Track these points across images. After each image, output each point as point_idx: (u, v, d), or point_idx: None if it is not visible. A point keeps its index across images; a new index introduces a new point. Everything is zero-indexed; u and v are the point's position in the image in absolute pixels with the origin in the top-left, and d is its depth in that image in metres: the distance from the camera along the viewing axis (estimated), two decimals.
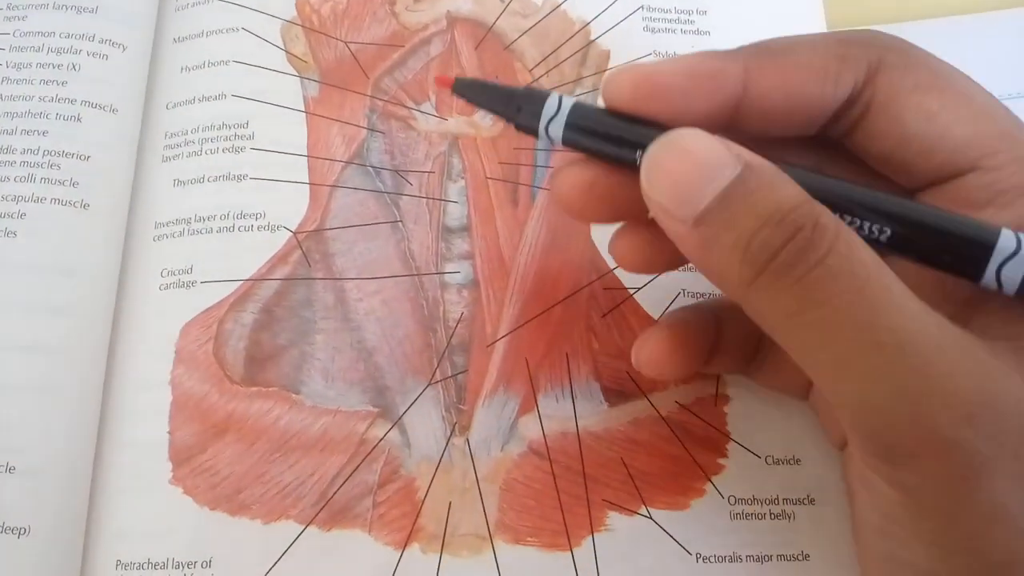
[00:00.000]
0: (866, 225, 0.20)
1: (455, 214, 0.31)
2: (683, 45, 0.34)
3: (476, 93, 0.23)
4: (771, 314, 0.19)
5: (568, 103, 0.22)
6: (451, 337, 0.29)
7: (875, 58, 0.22)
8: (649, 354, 0.25)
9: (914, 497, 0.19)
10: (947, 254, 0.20)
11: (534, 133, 0.23)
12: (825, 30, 0.35)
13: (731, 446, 0.28)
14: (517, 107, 0.23)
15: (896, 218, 0.20)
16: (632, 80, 0.21)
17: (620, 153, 0.22)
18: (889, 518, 0.20)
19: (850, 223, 0.20)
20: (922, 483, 0.18)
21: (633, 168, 0.21)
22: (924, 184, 0.23)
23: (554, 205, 0.24)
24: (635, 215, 0.23)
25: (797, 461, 0.27)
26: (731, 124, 0.22)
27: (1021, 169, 0.21)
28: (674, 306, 0.29)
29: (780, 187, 0.19)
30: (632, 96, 0.21)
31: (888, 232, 0.20)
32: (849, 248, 0.18)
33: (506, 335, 0.29)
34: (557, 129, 0.22)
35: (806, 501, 0.27)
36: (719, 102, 0.22)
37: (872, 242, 0.20)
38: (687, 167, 0.20)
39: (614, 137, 0.22)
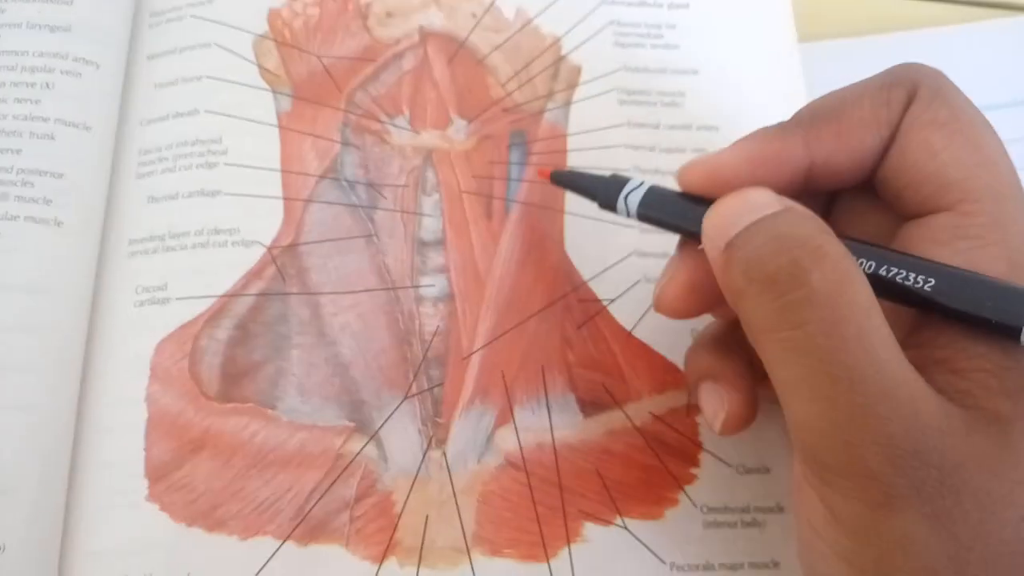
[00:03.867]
0: (911, 276, 0.21)
1: (430, 228, 0.31)
2: (653, 59, 0.34)
3: (570, 180, 0.27)
4: (752, 325, 0.21)
5: (648, 183, 0.25)
6: (427, 350, 0.29)
7: (912, 90, 0.23)
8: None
9: (837, 515, 0.20)
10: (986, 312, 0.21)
11: (612, 208, 0.26)
12: (795, 44, 0.35)
13: (703, 456, 0.28)
14: (603, 188, 0.26)
15: (938, 273, 0.21)
16: (703, 174, 0.24)
17: (694, 224, 0.23)
18: (816, 532, 0.21)
19: (895, 275, 0.21)
20: (844, 503, 0.20)
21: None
22: (908, 215, 0.23)
23: (659, 312, 0.25)
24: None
25: (767, 470, 0.28)
26: (803, 190, 0.24)
27: (990, 223, 0.22)
28: (646, 318, 0.30)
29: (803, 222, 0.21)
30: (704, 188, 0.24)
31: (932, 281, 0.21)
32: (839, 282, 0.20)
33: (482, 348, 0.29)
34: (635, 200, 0.25)
35: (776, 509, 0.27)
36: (787, 179, 0.23)
37: (916, 292, 0.21)
38: (737, 203, 0.22)
39: (691, 210, 0.24)
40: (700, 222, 0.23)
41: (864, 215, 0.25)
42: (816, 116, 0.24)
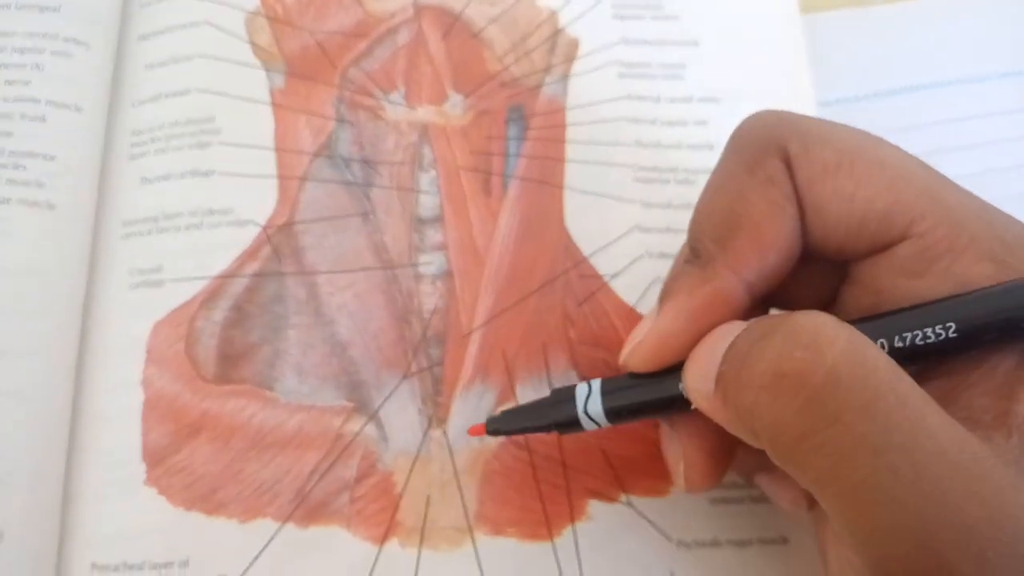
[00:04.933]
0: (928, 331, 0.20)
1: (427, 204, 0.31)
2: (652, 31, 0.34)
3: (510, 422, 0.25)
4: (779, 445, 0.19)
5: (596, 383, 0.23)
6: (426, 329, 0.29)
7: (783, 154, 0.22)
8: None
9: None
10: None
11: (577, 426, 0.23)
12: (797, 13, 0.35)
13: None
14: (552, 413, 0.24)
15: (951, 313, 0.20)
16: (651, 354, 0.22)
17: (666, 398, 0.22)
18: None
19: (913, 339, 0.20)
20: None
21: (682, 404, 0.22)
22: (856, 258, 0.22)
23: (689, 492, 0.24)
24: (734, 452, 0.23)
25: None
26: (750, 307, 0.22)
27: (952, 230, 0.20)
28: (648, 294, 0.29)
29: (784, 317, 0.19)
30: (658, 365, 0.22)
31: (953, 326, 0.20)
32: (856, 352, 0.18)
33: (482, 326, 0.29)
34: (596, 407, 0.23)
35: None
36: (732, 314, 0.22)
37: (938, 345, 0.20)
38: (705, 344, 0.21)
39: (656, 384, 0.22)
40: (675, 386, 0.22)
41: (801, 279, 0.23)
42: (720, 239, 0.22)
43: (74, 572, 0.25)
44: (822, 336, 0.18)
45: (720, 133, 0.31)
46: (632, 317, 0.29)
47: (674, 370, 0.22)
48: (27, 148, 0.30)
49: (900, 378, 0.18)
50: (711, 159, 0.31)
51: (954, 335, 0.20)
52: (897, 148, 0.22)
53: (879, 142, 0.22)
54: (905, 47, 0.36)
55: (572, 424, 0.24)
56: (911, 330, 0.20)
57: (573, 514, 0.26)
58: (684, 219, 0.30)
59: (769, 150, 0.22)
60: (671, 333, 0.22)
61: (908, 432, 0.17)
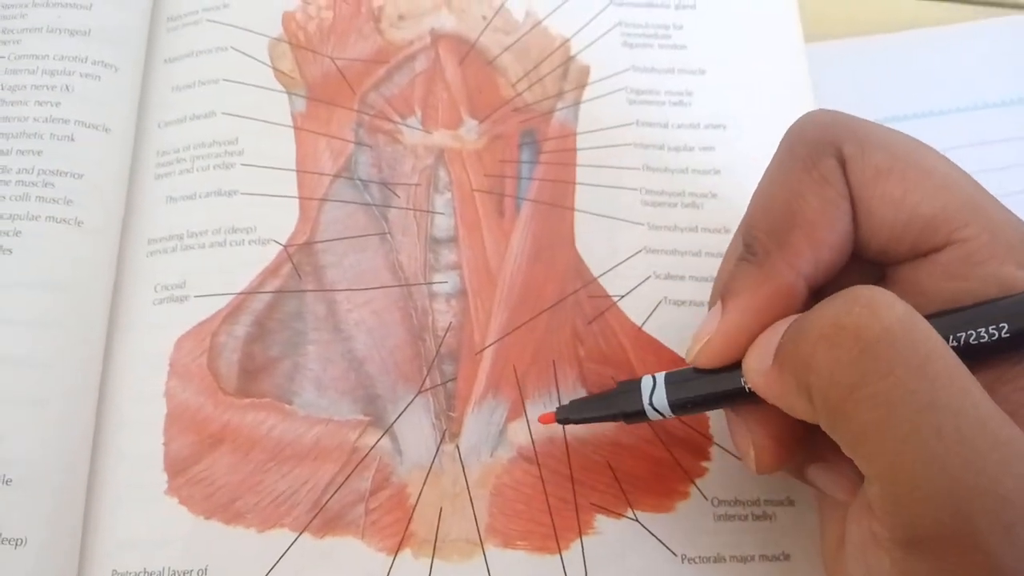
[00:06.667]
0: (982, 331, 0.20)
1: (442, 225, 0.31)
2: (661, 59, 0.35)
3: (579, 412, 0.26)
4: (831, 395, 0.19)
5: (660, 376, 0.24)
6: (440, 346, 0.29)
7: (838, 154, 0.22)
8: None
9: None
10: None
11: (642, 416, 0.24)
12: (801, 43, 0.35)
13: (713, 449, 0.28)
14: (619, 403, 0.25)
15: (1005, 313, 0.20)
16: (720, 351, 0.23)
17: (728, 390, 0.23)
18: None
19: (967, 339, 0.20)
20: (932, 573, 0.18)
21: (745, 396, 0.23)
22: (898, 261, 0.23)
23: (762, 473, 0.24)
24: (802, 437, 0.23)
25: None
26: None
27: (993, 238, 0.21)
28: (655, 314, 0.30)
29: (841, 293, 0.20)
30: (726, 362, 0.23)
31: (1006, 326, 0.20)
32: (914, 321, 0.18)
33: (494, 343, 0.30)
34: (661, 399, 0.24)
35: (786, 502, 0.28)
36: (795, 310, 0.22)
37: (992, 345, 0.20)
38: (766, 333, 0.22)
39: (718, 377, 0.23)
40: (737, 378, 0.22)
41: (841, 281, 0.23)
42: (776, 234, 0.23)
43: None
44: (881, 301, 0.19)
45: (726, 158, 0.33)
46: (639, 336, 0.30)
47: (736, 364, 0.23)
48: (56, 167, 0.30)
49: (950, 352, 0.18)
50: (717, 183, 0.33)
51: (1007, 335, 0.20)
52: (944, 157, 0.23)
53: (928, 150, 0.23)
54: (907, 75, 0.36)
55: (638, 415, 0.24)
56: (965, 329, 0.20)
57: (581, 528, 0.27)
58: (691, 241, 0.31)
59: (825, 149, 0.23)
60: (738, 331, 0.22)
61: (955, 397, 0.18)
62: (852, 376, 0.18)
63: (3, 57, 0.32)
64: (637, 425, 0.28)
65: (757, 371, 0.21)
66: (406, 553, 0.26)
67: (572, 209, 0.32)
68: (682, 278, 0.31)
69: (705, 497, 0.28)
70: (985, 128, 0.35)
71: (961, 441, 0.17)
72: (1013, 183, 0.33)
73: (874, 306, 0.19)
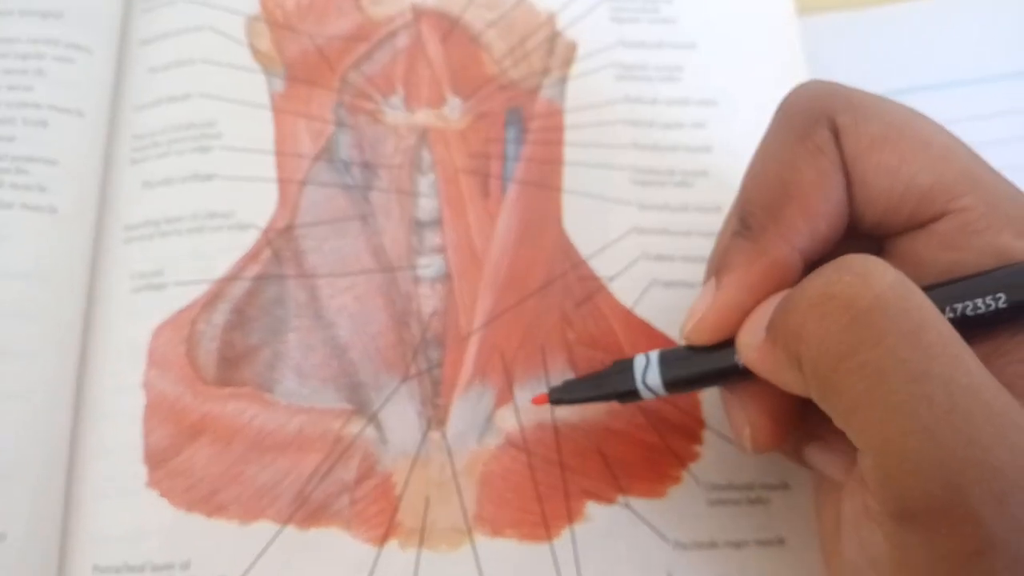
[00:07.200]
0: (979, 302, 0.20)
1: (426, 207, 0.31)
2: (650, 34, 0.34)
3: (572, 392, 0.25)
4: (821, 363, 0.19)
5: (654, 355, 0.24)
6: (425, 331, 0.29)
7: (831, 124, 0.22)
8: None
9: (909, 561, 0.18)
10: None
11: (636, 396, 0.24)
12: (793, 17, 0.35)
13: (706, 433, 0.28)
14: (612, 383, 0.25)
15: (1000, 283, 0.20)
16: (714, 327, 0.22)
17: (722, 367, 0.23)
18: (872, 564, 0.19)
19: (963, 309, 0.20)
20: (926, 549, 0.17)
21: (739, 373, 0.22)
22: (894, 232, 0.23)
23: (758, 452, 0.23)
24: (796, 413, 0.23)
25: None
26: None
27: (990, 208, 0.21)
28: (646, 296, 0.29)
29: (833, 263, 0.19)
30: (720, 338, 0.23)
31: (1003, 297, 0.20)
32: (904, 285, 0.18)
33: (480, 328, 0.29)
34: (655, 377, 0.24)
35: (781, 486, 0.27)
36: (790, 283, 0.22)
37: (988, 315, 0.20)
38: (759, 308, 0.22)
39: (712, 355, 0.23)
40: (730, 355, 0.22)
41: (836, 254, 0.23)
42: (770, 208, 0.22)
43: (76, 573, 0.26)
44: (872, 269, 0.18)
45: (717, 135, 0.32)
46: (629, 319, 0.29)
47: (729, 341, 0.22)
48: (29, 153, 0.30)
49: (944, 321, 0.18)
50: (709, 161, 0.32)
51: (1004, 306, 0.20)
52: (940, 127, 0.22)
53: (924, 119, 0.22)
54: (901, 49, 0.36)
55: (631, 394, 0.24)
56: (961, 300, 0.20)
57: (571, 515, 0.26)
58: (682, 221, 0.31)
59: (819, 120, 0.22)
60: (732, 307, 0.22)
61: (947, 366, 0.17)
62: (842, 345, 0.18)
63: None
64: (628, 410, 0.28)
65: (750, 346, 0.21)
66: (392, 543, 0.26)
67: (560, 189, 0.31)
68: (673, 259, 0.30)
69: (698, 482, 0.27)
70: (984, 101, 0.35)
71: (953, 411, 0.17)
72: (1014, 156, 0.33)
73: (865, 274, 0.18)
